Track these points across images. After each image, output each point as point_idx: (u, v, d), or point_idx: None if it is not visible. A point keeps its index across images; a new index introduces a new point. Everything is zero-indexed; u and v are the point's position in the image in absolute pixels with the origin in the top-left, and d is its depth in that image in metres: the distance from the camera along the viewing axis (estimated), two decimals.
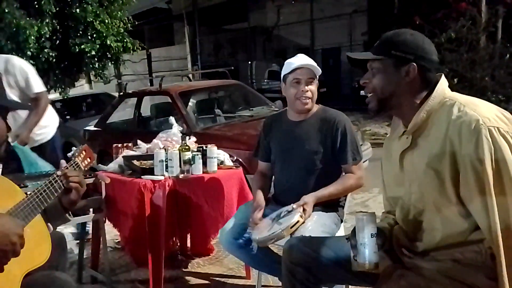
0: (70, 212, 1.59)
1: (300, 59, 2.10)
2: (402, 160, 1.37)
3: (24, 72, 2.96)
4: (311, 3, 16.83)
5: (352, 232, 1.42)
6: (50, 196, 1.39)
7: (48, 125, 3.27)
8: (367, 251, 1.33)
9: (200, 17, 18.34)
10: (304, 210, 1.89)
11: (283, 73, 2.14)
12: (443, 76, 1.35)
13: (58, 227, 1.72)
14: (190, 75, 7.15)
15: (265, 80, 16.60)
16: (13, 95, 2.91)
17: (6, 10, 5.60)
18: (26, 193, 1.37)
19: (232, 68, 6.69)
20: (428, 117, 1.29)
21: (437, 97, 1.29)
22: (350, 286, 2.06)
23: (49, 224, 1.48)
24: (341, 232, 2.13)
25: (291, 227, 1.81)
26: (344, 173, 2.11)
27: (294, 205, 1.91)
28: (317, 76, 2.12)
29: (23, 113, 3.00)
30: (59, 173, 1.45)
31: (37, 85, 3.00)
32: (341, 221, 2.17)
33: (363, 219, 1.36)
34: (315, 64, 2.10)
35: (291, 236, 1.84)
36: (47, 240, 1.39)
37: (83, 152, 1.62)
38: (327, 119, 2.10)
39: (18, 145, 2.79)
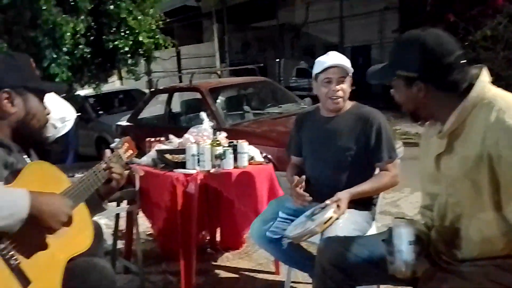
0: (106, 202, 1.64)
1: (332, 58, 2.07)
2: (438, 162, 1.33)
3: None
4: (340, 0, 16.64)
5: (389, 237, 1.39)
6: (94, 185, 1.45)
7: (70, 118, 3.42)
8: (404, 259, 1.31)
9: (229, 14, 18.41)
10: (338, 206, 1.87)
11: (314, 71, 2.12)
12: (484, 72, 1.29)
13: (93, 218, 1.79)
14: (219, 72, 7.22)
15: (293, 78, 16.55)
16: None
17: (44, 8, 5.78)
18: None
19: (262, 65, 6.71)
20: (464, 120, 1.24)
21: (473, 99, 1.23)
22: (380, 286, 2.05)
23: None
24: (372, 231, 2.11)
25: (325, 223, 1.80)
26: (378, 171, 2.08)
27: (328, 201, 1.89)
28: (350, 74, 2.10)
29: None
30: (103, 164, 1.50)
31: None
32: (373, 220, 2.14)
33: (401, 226, 1.34)
34: (347, 62, 2.07)
35: (323, 232, 1.85)
36: (90, 227, 1.44)
37: (126, 144, 1.66)
38: (361, 116, 2.07)
39: None
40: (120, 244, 3.02)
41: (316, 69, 2.09)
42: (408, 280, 1.38)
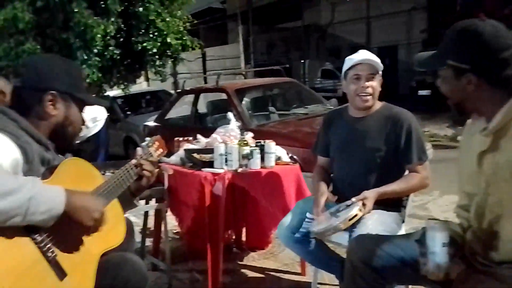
0: (137, 199, 1.68)
1: (361, 55, 2.06)
2: (480, 159, 1.29)
3: None
4: (367, 0, 16.45)
5: (422, 239, 1.36)
6: (126, 183, 1.48)
7: (101, 118, 3.51)
8: (437, 260, 1.29)
9: (254, 16, 18.47)
10: (364, 204, 1.86)
11: (343, 69, 2.11)
12: None
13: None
14: (244, 73, 7.26)
15: (318, 79, 16.45)
16: None
17: (76, 10, 5.95)
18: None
19: (287, 66, 6.71)
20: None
21: None
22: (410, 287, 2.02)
23: None
24: (402, 233, 2.08)
25: (349, 220, 1.80)
26: (408, 173, 2.05)
27: (354, 199, 1.89)
28: (380, 72, 2.07)
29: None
30: (134, 161, 1.54)
31: None
32: (403, 222, 2.11)
33: (434, 228, 1.31)
34: (376, 59, 2.04)
35: (348, 229, 1.84)
36: (122, 223, 1.48)
37: (156, 143, 1.69)
38: (391, 116, 2.04)
39: None
40: (148, 242, 3.07)
41: (345, 66, 2.08)
42: (441, 282, 1.35)
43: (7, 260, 1.07)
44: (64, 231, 1.22)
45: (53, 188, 1.18)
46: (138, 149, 1.63)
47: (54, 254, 1.20)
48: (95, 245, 1.34)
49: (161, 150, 1.71)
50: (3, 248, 1.08)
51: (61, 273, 1.20)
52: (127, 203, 1.64)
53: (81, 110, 1.47)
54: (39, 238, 1.16)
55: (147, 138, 1.73)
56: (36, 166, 1.27)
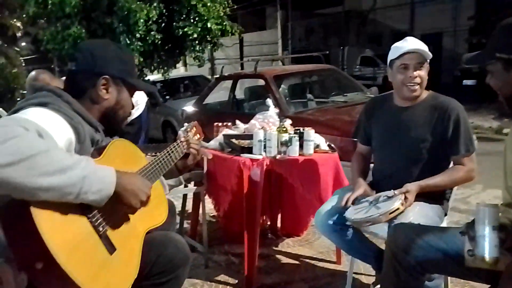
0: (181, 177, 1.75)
1: (409, 43, 1.98)
2: None
3: None
4: None
5: (470, 224, 1.32)
6: (173, 160, 1.56)
7: (141, 102, 3.60)
8: (487, 244, 1.23)
9: (294, 1, 18.22)
10: (405, 198, 1.81)
11: (389, 58, 2.04)
12: None
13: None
14: (282, 59, 7.21)
15: (357, 66, 16.10)
16: None
17: None
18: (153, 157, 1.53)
19: (327, 52, 6.60)
20: None
21: None
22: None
23: (166, 186, 1.62)
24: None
25: (390, 213, 1.75)
26: (453, 165, 1.99)
27: (396, 191, 1.84)
28: (428, 60, 2.00)
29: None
30: (182, 139, 1.63)
31: None
32: (445, 215, 2.06)
33: (485, 210, 1.26)
34: (425, 47, 1.96)
35: (389, 222, 1.80)
36: (165, 202, 1.53)
37: (194, 128, 1.78)
38: (439, 106, 1.97)
39: None
40: (186, 224, 3.15)
41: (392, 55, 2.01)
42: (485, 276, 1.31)
43: (63, 233, 1.12)
44: (114, 208, 1.27)
45: (105, 169, 1.22)
46: (180, 132, 1.70)
47: (105, 229, 1.25)
48: (141, 223, 1.39)
49: (198, 135, 1.79)
50: (60, 222, 1.13)
51: (111, 248, 1.25)
52: (173, 176, 1.74)
53: (131, 95, 1.52)
54: (90, 214, 1.22)
55: (186, 124, 1.80)
56: (87, 146, 1.32)
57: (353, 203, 1.98)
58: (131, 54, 1.55)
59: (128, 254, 1.31)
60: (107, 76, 1.39)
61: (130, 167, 1.40)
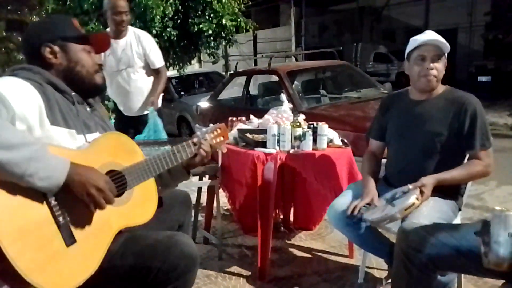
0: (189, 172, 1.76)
1: (427, 35, 1.98)
2: None
3: (153, 47, 3.32)
4: None
5: (484, 228, 1.33)
6: (176, 160, 1.56)
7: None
8: (502, 251, 1.26)
9: None
10: (421, 192, 1.81)
11: (407, 50, 2.04)
12: None
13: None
14: (297, 56, 7.21)
15: (371, 63, 15.99)
16: (138, 62, 3.28)
17: None
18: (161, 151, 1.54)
19: (341, 48, 6.57)
20: None
21: None
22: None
23: (160, 187, 1.60)
24: (457, 222, 2.03)
25: (406, 209, 1.75)
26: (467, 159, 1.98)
27: (411, 186, 1.84)
28: (446, 54, 2.00)
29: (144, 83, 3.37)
30: (195, 140, 1.63)
31: (160, 59, 3.38)
32: (459, 210, 2.06)
33: (501, 217, 1.28)
34: (443, 40, 1.95)
35: (405, 218, 1.81)
36: (153, 203, 1.50)
37: (218, 130, 1.74)
38: (455, 100, 1.96)
39: (153, 112, 3.15)
40: (200, 217, 3.21)
41: (409, 47, 2.01)
42: (500, 273, 1.33)
43: (15, 218, 1.10)
44: (76, 200, 1.24)
45: (59, 158, 1.20)
46: (198, 133, 1.71)
47: (66, 220, 1.22)
48: (117, 219, 1.37)
49: (221, 138, 1.75)
50: (15, 205, 1.12)
51: (70, 239, 1.22)
52: (180, 175, 1.73)
53: (85, 48, 1.52)
54: (53, 202, 1.20)
55: (211, 124, 1.78)
56: (57, 115, 1.35)
57: (369, 205, 1.98)
58: (64, 17, 1.62)
59: (90, 248, 1.28)
60: (46, 43, 1.44)
61: (119, 162, 1.41)
